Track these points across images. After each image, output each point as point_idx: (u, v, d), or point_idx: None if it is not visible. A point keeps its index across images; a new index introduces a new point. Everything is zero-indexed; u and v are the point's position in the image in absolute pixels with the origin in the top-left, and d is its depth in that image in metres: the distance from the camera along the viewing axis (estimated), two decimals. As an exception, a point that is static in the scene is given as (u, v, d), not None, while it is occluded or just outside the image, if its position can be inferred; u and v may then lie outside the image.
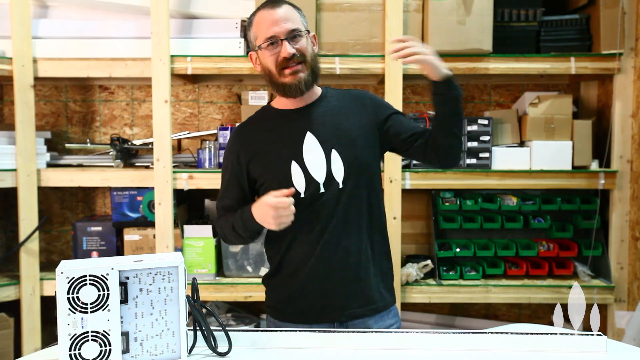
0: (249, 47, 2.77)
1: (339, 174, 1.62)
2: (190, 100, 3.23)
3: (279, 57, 1.59)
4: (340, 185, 1.62)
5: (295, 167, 1.62)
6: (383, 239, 1.74)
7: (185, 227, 2.83)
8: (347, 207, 1.63)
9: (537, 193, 2.96)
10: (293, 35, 1.59)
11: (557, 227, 2.90)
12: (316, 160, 1.62)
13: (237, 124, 2.85)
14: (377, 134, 1.70)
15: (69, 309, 1.25)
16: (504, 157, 2.81)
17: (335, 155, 1.62)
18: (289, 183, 1.61)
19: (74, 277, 1.25)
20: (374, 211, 1.70)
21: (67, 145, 3.11)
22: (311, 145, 1.63)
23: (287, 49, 1.58)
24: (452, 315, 3.19)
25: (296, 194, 1.60)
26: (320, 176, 1.62)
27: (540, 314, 3.24)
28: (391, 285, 1.76)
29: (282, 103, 1.70)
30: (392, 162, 2.70)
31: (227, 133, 2.83)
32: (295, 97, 1.64)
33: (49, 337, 2.88)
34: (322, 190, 1.62)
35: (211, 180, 2.76)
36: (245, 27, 1.70)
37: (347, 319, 1.66)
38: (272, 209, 1.50)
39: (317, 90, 1.72)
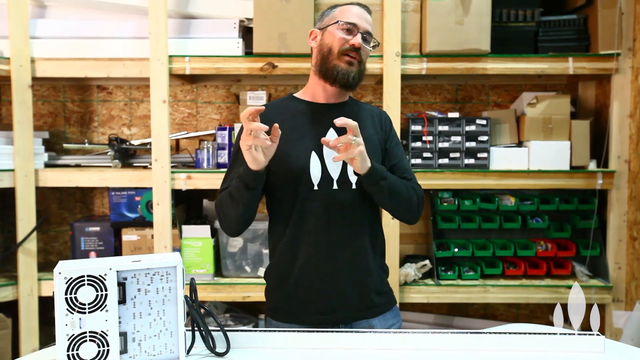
0: (247, 47, 2.80)
1: (353, 175, 1.65)
2: (188, 100, 3.23)
3: (348, 42, 1.64)
4: (354, 186, 1.65)
5: (314, 158, 1.64)
6: (382, 242, 1.77)
7: (184, 227, 2.83)
8: (356, 208, 1.66)
9: (535, 193, 2.96)
10: (365, 37, 1.67)
11: (555, 227, 2.91)
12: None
13: (235, 124, 2.85)
14: (383, 152, 1.75)
15: (67, 309, 1.25)
16: (502, 157, 2.81)
17: None
18: (306, 172, 1.63)
19: (72, 278, 1.25)
20: (377, 216, 1.74)
21: (65, 145, 3.11)
22: None
23: (359, 39, 1.64)
24: (450, 315, 3.20)
25: (310, 186, 1.64)
26: (335, 173, 1.65)
27: (538, 313, 3.25)
28: (388, 288, 1.78)
29: (309, 95, 1.73)
30: (390, 162, 2.70)
31: (226, 133, 2.82)
32: (335, 84, 1.67)
33: (47, 337, 2.88)
34: (335, 187, 1.64)
35: (209, 181, 2.76)
36: (323, 12, 1.76)
37: (352, 320, 1.67)
38: (243, 129, 1.46)
39: (345, 95, 1.76)
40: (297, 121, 1.69)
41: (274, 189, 1.70)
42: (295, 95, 1.76)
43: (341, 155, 1.49)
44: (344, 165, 1.65)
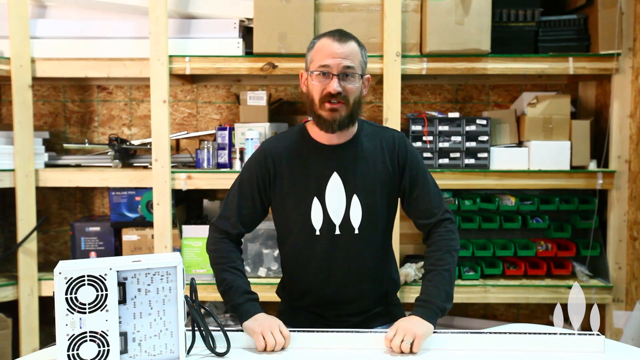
0: (247, 47, 2.80)
1: (356, 219, 1.65)
2: (188, 100, 3.23)
3: (325, 90, 1.57)
4: (356, 231, 1.65)
5: (315, 204, 1.64)
6: (393, 270, 1.79)
7: (184, 227, 2.83)
8: (360, 251, 1.67)
9: (535, 193, 2.96)
10: (345, 74, 1.58)
11: (555, 227, 2.90)
12: (337, 202, 1.64)
13: (235, 124, 2.85)
14: (398, 184, 1.70)
15: (67, 309, 1.25)
16: (503, 157, 2.81)
17: (355, 200, 1.64)
18: (307, 218, 1.64)
19: (72, 278, 1.25)
20: (387, 253, 1.75)
21: (65, 145, 3.11)
22: (335, 187, 1.64)
23: (334, 86, 1.56)
24: (450, 315, 3.19)
25: (312, 230, 1.65)
26: (337, 219, 1.65)
27: (538, 313, 3.25)
28: (398, 301, 1.82)
29: (317, 133, 1.67)
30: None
31: (226, 133, 2.82)
32: (326, 132, 1.63)
33: (47, 337, 2.88)
34: (337, 232, 1.65)
35: (210, 181, 2.76)
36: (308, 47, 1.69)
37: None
38: (264, 338, 1.47)
39: (353, 128, 1.69)
40: (302, 161, 1.67)
41: (278, 227, 1.74)
42: (307, 127, 1.71)
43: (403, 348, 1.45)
44: (347, 210, 1.64)
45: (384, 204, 1.68)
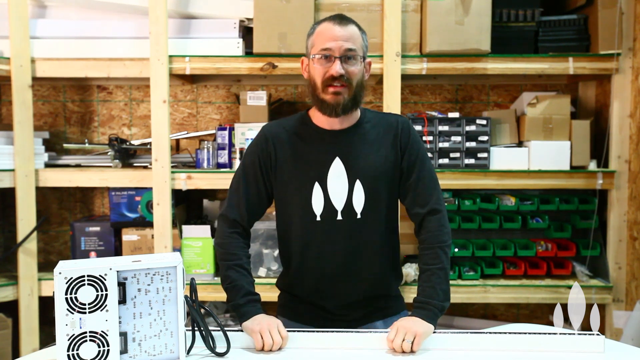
0: (247, 47, 2.80)
1: (359, 204, 1.64)
2: (188, 100, 3.23)
3: (328, 73, 1.57)
4: (359, 216, 1.64)
5: (317, 189, 1.63)
6: (395, 259, 1.78)
7: (184, 227, 2.83)
8: (363, 237, 1.65)
9: (535, 193, 2.96)
10: (347, 56, 1.58)
11: (555, 227, 2.90)
12: (339, 187, 1.63)
13: (235, 124, 2.85)
14: (399, 169, 1.69)
15: (67, 309, 1.25)
16: (502, 157, 2.81)
17: (358, 186, 1.63)
18: (308, 204, 1.63)
19: (72, 278, 1.25)
20: (389, 240, 1.73)
21: (65, 145, 3.11)
22: (337, 172, 1.63)
23: (337, 68, 1.56)
24: (450, 315, 3.20)
25: (313, 216, 1.63)
26: (339, 204, 1.63)
27: (538, 313, 3.25)
28: (399, 292, 1.81)
29: (320, 119, 1.67)
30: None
31: (226, 133, 2.82)
32: (329, 116, 1.63)
33: (47, 337, 2.88)
34: (339, 217, 1.64)
35: (210, 181, 2.76)
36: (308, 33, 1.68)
37: (357, 326, 1.69)
38: (262, 338, 1.47)
39: (356, 114, 1.68)
40: (303, 146, 1.66)
41: (278, 214, 1.72)
42: (309, 113, 1.71)
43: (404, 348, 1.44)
44: (349, 196, 1.63)
45: (387, 189, 1.67)
